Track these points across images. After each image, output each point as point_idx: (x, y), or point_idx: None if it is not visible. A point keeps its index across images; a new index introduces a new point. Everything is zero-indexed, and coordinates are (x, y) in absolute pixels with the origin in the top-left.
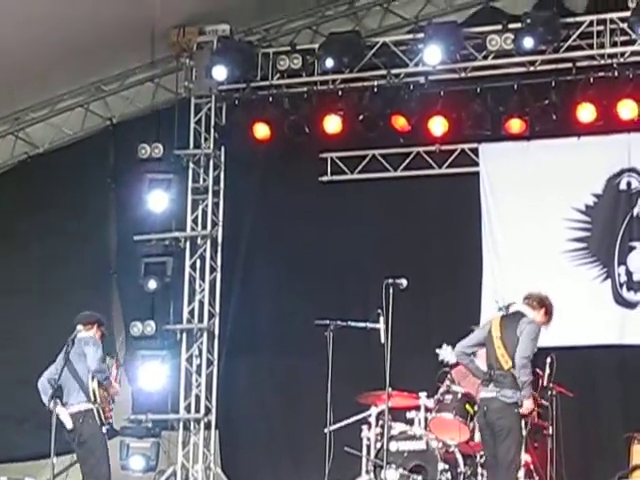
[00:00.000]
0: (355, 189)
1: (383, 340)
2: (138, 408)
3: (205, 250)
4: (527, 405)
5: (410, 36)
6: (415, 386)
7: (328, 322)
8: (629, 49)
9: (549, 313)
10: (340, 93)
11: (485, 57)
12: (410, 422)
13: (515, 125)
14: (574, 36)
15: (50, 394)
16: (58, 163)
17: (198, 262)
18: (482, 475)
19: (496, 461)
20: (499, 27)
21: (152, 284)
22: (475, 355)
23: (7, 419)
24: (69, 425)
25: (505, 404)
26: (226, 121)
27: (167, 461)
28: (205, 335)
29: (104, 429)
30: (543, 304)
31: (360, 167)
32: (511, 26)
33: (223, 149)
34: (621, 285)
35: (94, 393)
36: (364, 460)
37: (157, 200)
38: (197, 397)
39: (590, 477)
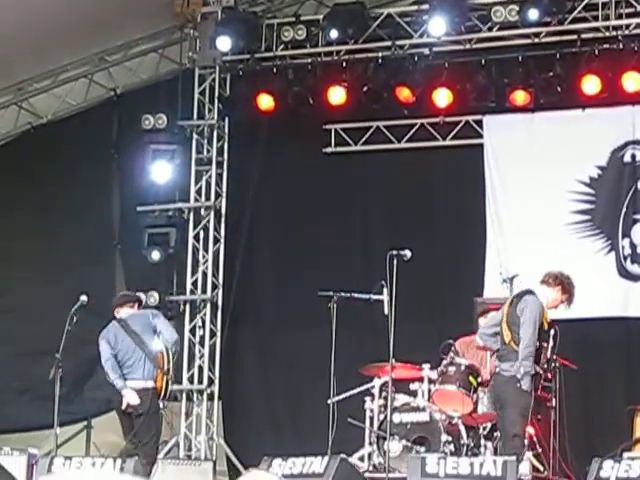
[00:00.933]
0: (359, 160)
1: (387, 311)
2: None
3: (209, 221)
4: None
5: (415, 7)
6: (418, 358)
7: (332, 293)
8: (634, 21)
9: (567, 292)
10: (344, 64)
11: (490, 29)
12: (413, 394)
13: (519, 97)
14: (579, 8)
15: (119, 373)
16: (61, 134)
17: (201, 233)
18: (485, 447)
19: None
20: None
21: (155, 255)
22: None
23: (8, 390)
24: (136, 401)
25: (505, 377)
26: (230, 92)
27: (170, 432)
28: (208, 306)
29: (161, 404)
30: (560, 281)
31: (364, 139)
32: None
33: (227, 120)
34: (625, 258)
35: (169, 363)
36: (367, 431)
37: (160, 171)
38: (200, 368)
39: (593, 449)
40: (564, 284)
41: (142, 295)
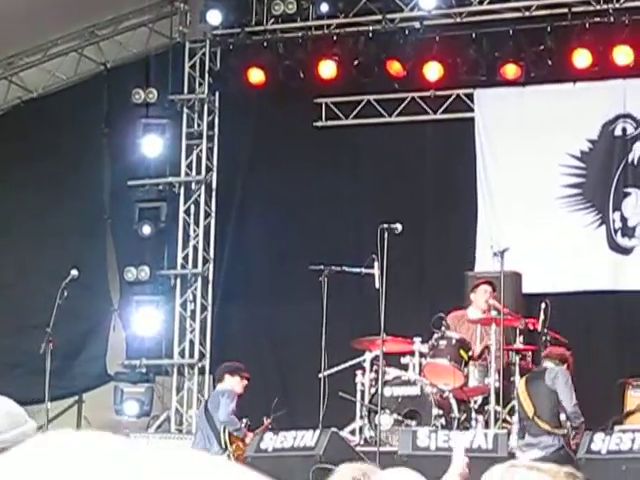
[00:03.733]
0: (350, 134)
1: (378, 285)
2: (132, 353)
3: (199, 195)
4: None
5: None
6: (409, 331)
7: (322, 267)
8: None
9: (570, 366)
10: (335, 38)
11: (480, 2)
12: (404, 367)
13: (510, 70)
14: None
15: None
16: (52, 108)
17: (192, 207)
18: (476, 420)
19: None
20: None
21: (146, 229)
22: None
23: None
24: None
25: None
26: (220, 66)
27: (161, 406)
28: (199, 280)
29: None
30: (565, 359)
31: (355, 112)
32: None
33: (217, 94)
34: (616, 231)
35: (225, 442)
36: (358, 405)
37: (151, 145)
38: (191, 342)
39: (584, 422)
40: (568, 361)
41: (242, 366)
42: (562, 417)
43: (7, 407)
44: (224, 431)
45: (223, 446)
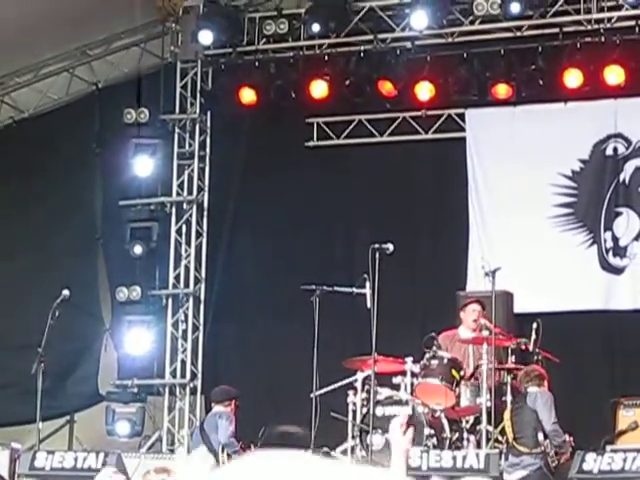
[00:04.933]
0: (341, 154)
1: (369, 305)
2: (124, 373)
3: (191, 215)
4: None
5: (397, 1)
6: (401, 351)
7: (314, 287)
8: (616, 14)
9: (550, 382)
10: (326, 58)
11: (472, 22)
12: (396, 387)
13: (502, 90)
14: (561, 1)
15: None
16: (43, 128)
17: (184, 227)
18: (468, 440)
19: None
20: None
21: (138, 249)
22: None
23: None
24: None
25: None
26: (212, 86)
27: (153, 426)
28: (191, 300)
29: None
30: (543, 377)
31: (346, 132)
32: None
33: (209, 114)
34: (607, 251)
35: (224, 463)
36: (350, 425)
37: (143, 165)
38: (183, 362)
39: (575, 442)
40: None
41: (236, 392)
42: (540, 436)
43: None
44: (222, 451)
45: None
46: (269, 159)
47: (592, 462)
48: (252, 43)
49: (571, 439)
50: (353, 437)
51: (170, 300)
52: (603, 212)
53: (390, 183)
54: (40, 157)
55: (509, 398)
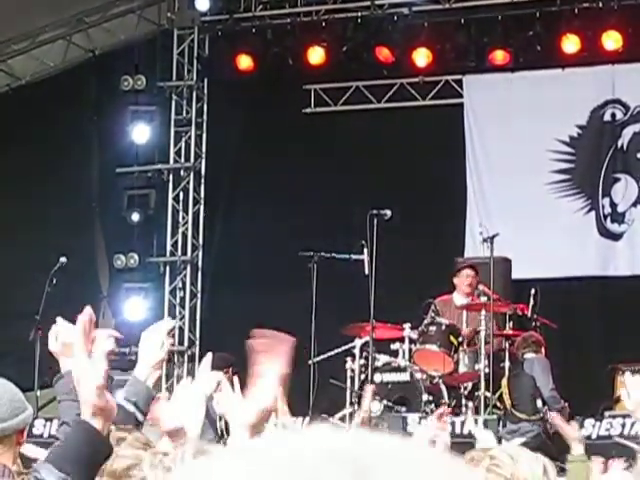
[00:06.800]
0: (338, 121)
1: (367, 271)
2: (122, 341)
3: (188, 182)
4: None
5: None
6: (399, 317)
7: (312, 253)
8: None
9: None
10: (323, 24)
11: None
12: (394, 354)
13: (499, 56)
14: None
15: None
16: (40, 95)
17: (181, 194)
18: (466, 406)
19: None
20: None
21: (135, 216)
22: None
23: None
24: None
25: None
26: (209, 53)
27: None
28: (188, 268)
29: None
30: (541, 344)
31: (343, 99)
32: None
33: (206, 81)
34: (605, 217)
35: (222, 430)
36: (348, 392)
37: (140, 132)
38: (181, 329)
39: (574, 409)
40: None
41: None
42: (538, 403)
43: (10, 394)
44: (220, 419)
45: (219, 434)
46: (266, 126)
47: (590, 428)
48: (249, 9)
49: (566, 405)
50: (351, 403)
51: (168, 267)
52: (601, 178)
53: (388, 149)
54: (36, 125)
55: (507, 364)
